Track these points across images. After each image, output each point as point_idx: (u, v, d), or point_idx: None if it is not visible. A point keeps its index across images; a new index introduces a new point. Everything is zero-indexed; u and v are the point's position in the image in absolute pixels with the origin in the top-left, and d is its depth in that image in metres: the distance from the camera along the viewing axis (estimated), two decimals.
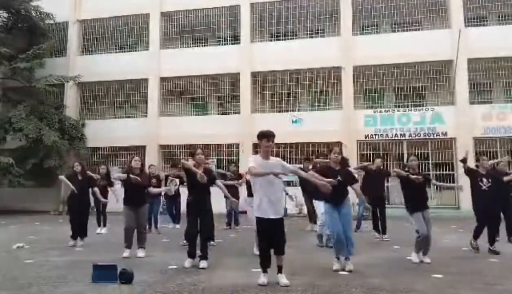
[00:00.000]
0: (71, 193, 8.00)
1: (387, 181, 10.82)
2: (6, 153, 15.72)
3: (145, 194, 6.78)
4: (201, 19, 17.89)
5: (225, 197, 10.02)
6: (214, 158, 16.26)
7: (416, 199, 6.05)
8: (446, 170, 15.19)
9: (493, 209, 6.92)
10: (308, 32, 17.58)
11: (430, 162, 15.32)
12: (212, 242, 7.47)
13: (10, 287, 4.57)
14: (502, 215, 7.80)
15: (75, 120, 17.47)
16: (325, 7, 16.88)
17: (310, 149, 15.48)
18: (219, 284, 4.64)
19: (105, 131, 17.27)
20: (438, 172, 15.28)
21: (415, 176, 5.67)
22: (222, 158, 16.33)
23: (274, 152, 15.65)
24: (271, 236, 4.60)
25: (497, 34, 15.13)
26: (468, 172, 7.19)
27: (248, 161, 4.72)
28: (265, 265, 4.64)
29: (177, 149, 16.77)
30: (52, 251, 7.01)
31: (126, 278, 4.67)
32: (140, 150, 16.66)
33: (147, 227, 9.47)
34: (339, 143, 15.23)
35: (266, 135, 4.68)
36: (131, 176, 6.44)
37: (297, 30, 17.77)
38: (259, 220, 4.65)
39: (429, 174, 13.45)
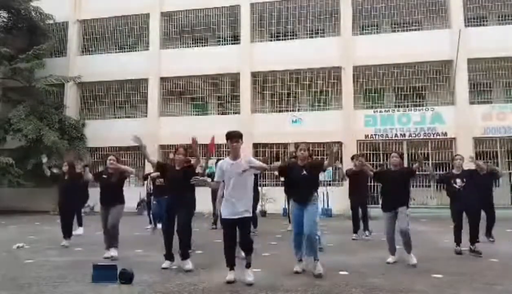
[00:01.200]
0: (58, 193, 8.10)
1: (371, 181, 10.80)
2: (6, 153, 15.70)
3: (119, 193, 6.63)
4: (201, 19, 17.89)
5: (212, 198, 10.11)
6: (214, 158, 16.24)
7: (386, 198, 6.04)
8: (446, 170, 15.14)
9: (470, 208, 6.76)
10: (308, 32, 17.58)
11: (430, 162, 15.30)
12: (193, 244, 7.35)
13: (10, 287, 4.57)
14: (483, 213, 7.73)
15: (75, 120, 17.46)
16: (325, 7, 16.87)
17: (310, 149, 15.44)
18: (219, 284, 4.65)
19: (105, 131, 17.26)
20: (438, 172, 15.26)
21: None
22: (222, 158, 16.30)
23: (274, 151, 15.80)
24: (234, 235, 4.80)
25: (497, 34, 15.11)
26: (439, 179, 7.23)
27: (216, 172, 5.00)
28: (230, 262, 4.79)
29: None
30: (52, 251, 7.01)
31: (126, 278, 4.68)
32: (140, 150, 16.64)
33: (156, 227, 9.52)
34: (339, 143, 15.25)
35: (230, 136, 4.86)
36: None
37: (297, 30, 17.76)
38: (223, 220, 4.85)
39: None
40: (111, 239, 6.40)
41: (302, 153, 5.32)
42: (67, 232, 7.77)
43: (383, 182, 6.33)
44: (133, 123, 17.59)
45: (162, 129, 17.01)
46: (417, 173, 6.36)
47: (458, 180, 6.74)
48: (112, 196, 6.51)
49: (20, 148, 16.12)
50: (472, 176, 6.88)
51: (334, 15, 17.01)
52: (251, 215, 4.92)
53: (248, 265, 4.80)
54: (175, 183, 5.61)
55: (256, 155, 15.92)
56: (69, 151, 16.27)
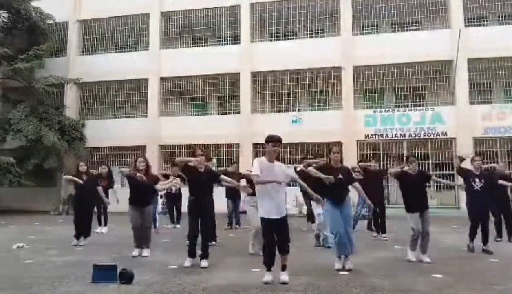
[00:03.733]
0: (76, 193, 8.06)
1: (386, 180, 10.84)
2: (6, 153, 15.71)
3: (150, 195, 6.79)
4: (201, 19, 17.89)
5: (227, 197, 10.10)
6: (214, 158, 16.25)
7: (413, 199, 6.06)
8: (446, 170, 15.18)
9: (486, 209, 6.90)
10: (308, 32, 17.58)
11: (430, 162, 15.32)
12: (213, 242, 7.51)
13: (10, 287, 4.57)
14: (495, 216, 7.83)
15: (74, 121, 17.46)
16: (325, 7, 16.87)
17: (310, 148, 15.48)
18: (219, 284, 4.64)
19: (105, 131, 17.26)
20: (438, 172, 15.26)
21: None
22: (222, 158, 16.32)
23: None
24: (275, 235, 4.76)
25: (497, 34, 15.12)
26: (460, 171, 7.23)
27: (253, 166, 4.86)
28: (269, 263, 4.76)
29: (177, 149, 16.75)
30: (52, 251, 7.01)
31: (126, 278, 4.67)
32: (140, 150, 16.67)
33: (154, 226, 9.54)
34: (339, 143, 15.26)
35: (272, 140, 4.83)
36: (138, 174, 6.39)
37: (297, 30, 17.77)
38: (264, 220, 4.78)
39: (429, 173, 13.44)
40: (145, 239, 6.55)
41: (336, 155, 5.57)
42: (86, 232, 7.78)
43: (405, 183, 6.29)
44: (133, 123, 17.61)
45: (162, 129, 17.01)
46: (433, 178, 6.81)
47: (477, 180, 6.82)
48: (144, 197, 6.58)
49: (20, 148, 16.13)
50: (490, 178, 7.09)
51: (334, 15, 17.02)
52: (286, 215, 4.90)
53: (283, 268, 4.77)
54: (200, 183, 5.76)
55: (256, 155, 15.93)
56: (68, 154, 16.30)
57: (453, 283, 4.68)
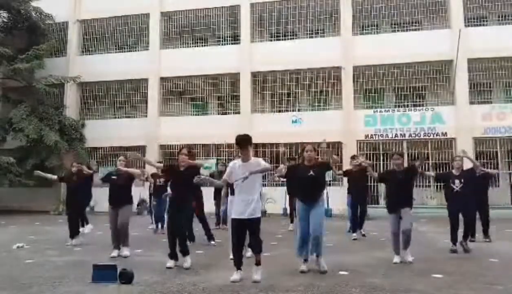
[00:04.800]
0: (67, 193, 8.18)
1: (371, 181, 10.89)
2: (6, 152, 15.71)
3: (128, 193, 6.76)
4: (201, 19, 17.88)
5: (214, 196, 10.15)
6: (214, 158, 16.25)
7: (391, 199, 6.09)
8: (446, 170, 15.15)
9: (467, 210, 6.86)
10: (308, 32, 17.57)
11: (430, 162, 15.31)
12: (212, 242, 7.53)
13: (10, 287, 4.57)
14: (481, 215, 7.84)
15: (74, 121, 17.45)
16: (325, 7, 16.87)
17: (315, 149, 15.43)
18: (219, 284, 4.65)
19: (105, 132, 17.25)
20: (438, 172, 15.27)
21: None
22: (222, 158, 16.31)
23: (274, 151, 15.78)
24: (243, 236, 4.84)
25: (497, 34, 15.11)
26: (437, 177, 7.27)
27: (227, 170, 5.04)
28: (237, 263, 4.83)
29: (177, 149, 16.67)
30: (52, 251, 7.01)
31: (126, 278, 4.68)
32: (140, 150, 16.66)
33: (157, 227, 9.54)
34: (339, 143, 15.27)
35: (237, 143, 4.89)
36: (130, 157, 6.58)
37: (297, 30, 17.76)
38: (233, 220, 4.90)
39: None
40: (123, 237, 6.55)
41: (309, 154, 5.42)
42: (74, 232, 7.86)
43: (388, 183, 6.38)
44: (133, 123, 17.60)
45: (162, 129, 17.00)
46: (419, 171, 6.46)
47: (456, 181, 6.79)
48: (121, 196, 6.62)
49: (20, 148, 16.13)
50: (471, 177, 7.00)
51: (334, 15, 17.01)
52: (260, 215, 4.92)
53: (258, 263, 4.81)
54: (179, 182, 5.75)
55: (256, 155, 15.92)
56: (68, 153, 16.28)
57: (453, 283, 4.69)
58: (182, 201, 5.72)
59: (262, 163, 4.92)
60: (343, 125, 15.66)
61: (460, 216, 6.84)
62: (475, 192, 7.20)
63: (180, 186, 5.74)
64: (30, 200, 16.61)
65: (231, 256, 6.09)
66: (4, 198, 16.82)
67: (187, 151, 5.96)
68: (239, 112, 16.80)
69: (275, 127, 15.97)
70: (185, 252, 5.63)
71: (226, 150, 16.39)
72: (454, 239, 6.77)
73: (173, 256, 5.66)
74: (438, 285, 4.61)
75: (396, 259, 5.92)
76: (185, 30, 18.08)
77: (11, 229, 10.86)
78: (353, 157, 9.40)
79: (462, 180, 6.75)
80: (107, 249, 7.04)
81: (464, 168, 7.24)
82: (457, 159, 7.05)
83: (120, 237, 6.55)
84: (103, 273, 4.74)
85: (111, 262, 5.05)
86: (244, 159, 4.92)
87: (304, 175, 5.28)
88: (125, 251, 6.45)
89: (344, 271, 5.24)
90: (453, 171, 6.95)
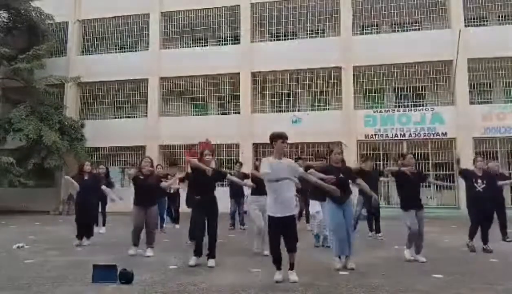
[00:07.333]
0: (78, 192, 8.01)
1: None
2: (6, 152, 15.70)
3: (155, 195, 6.84)
4: (201, 19, 17.89)
5: (231, 196, 10.12)
6: (213, 158, 16.23)
7: (409, 198, 6.10)
8: (446, 170, 15.20)
9: (488, 209, 6.99)
10: (308, 32, 17.57)
11: (430, 162, 15.32)
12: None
13: (10, 287, 4.57)
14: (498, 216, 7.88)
15: (74, 121, 17.44)
16: (325, 7, 16.87)
17: (310, 148, 15.47)
18: (219, 284, 4.65)
19: (105, 131, 17.25)
20: (438, 172, 15.29)
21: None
22: (222, 158, 16.32)
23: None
24: (282, 234, 4.76)
25: (497, 34, 15.12)
26: (462, 173, 7.25)
27: (262, 165, 4.92)
28: (277, 262, 4.79)
29: (177, 149, 16.75)
30: (52, 251, 7.00)
31: (126, 278, 4.67)
32: (140, 150, 16.67)
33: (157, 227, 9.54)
34: (339, 143, 15.26)
35: (280, 137, 4.91)
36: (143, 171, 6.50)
37: (297, 30, 17.76)
38: (270, 218, 4.80)
39: (428, 173, 13.48)
40: (150, 239, 6.58)
41: (337, 156, 5.66)
42: (89, 232, 7.80)
43: (403, 183, 6.31)
44: (133, 123, 17.60)
45: (162, 129, 17.00)
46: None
47: (479, 181, 6.89)
48: (149, 197, 6.60)
49: (20, 148, 16.13)
50: (492, 178, 7.16)
51: (334, 15, 17.01)
52: (295, 213, 4.93)
53: (292, 265, 4.77)
54: (206, 184, 5.82)
55: (256, 155, 15.93)
56: (68, 151, 16.26)
57: (453, 283, 4.69)
58: (211, 202, 5.81)
59: (300, 168, 5.05)
60: (343, 125, 15.66)
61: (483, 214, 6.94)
62: (494, 192, 7.34)
63: (207, 187, 5.83)
64: (30, 200, 16.60)
65: (255, 249, 6.50)
66: (4, 198, 16.81)
67: (209, 150, 6.03)
68: (239, 112, 16.80)
69: (275, 127, 15.61)
70: (214, 256, 5.71)
71: (227, 150, 16.40)
72: (472, 236, 6.86)
73: (199, 253, 5.72)
74: (438, 285, 4.61)
75: (408, 255, 5.98)
76: (185, 30, 18.08)
77: (11, 229, 10.86)
78: (366, 159, 9.24)
79: (485, 181, 6.88)
80: (107, 249, 7.06)
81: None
82: (479, 160, 7.15)
83: (147, 238, 6.57)
84: (103, 273, 4.73)
85: (114, 262, 5.04)
86: (277, 157, 4.89)
87: (336, 176, 5.30)
88: (150, 252, 6.46)
89: (344, 271, 5.24)
90: (475, 171, 7.04)
